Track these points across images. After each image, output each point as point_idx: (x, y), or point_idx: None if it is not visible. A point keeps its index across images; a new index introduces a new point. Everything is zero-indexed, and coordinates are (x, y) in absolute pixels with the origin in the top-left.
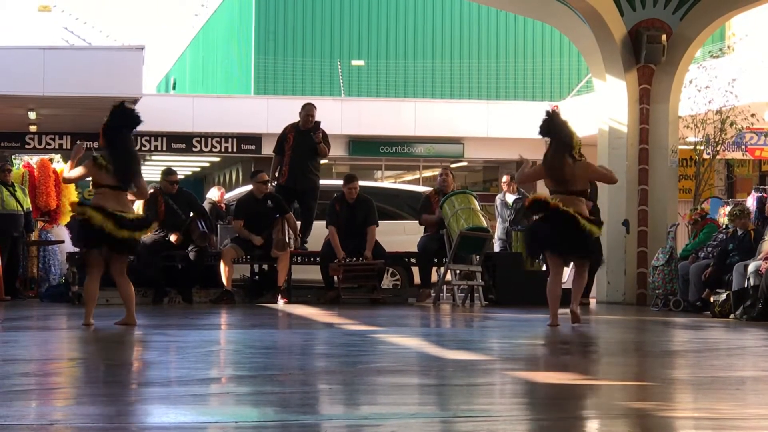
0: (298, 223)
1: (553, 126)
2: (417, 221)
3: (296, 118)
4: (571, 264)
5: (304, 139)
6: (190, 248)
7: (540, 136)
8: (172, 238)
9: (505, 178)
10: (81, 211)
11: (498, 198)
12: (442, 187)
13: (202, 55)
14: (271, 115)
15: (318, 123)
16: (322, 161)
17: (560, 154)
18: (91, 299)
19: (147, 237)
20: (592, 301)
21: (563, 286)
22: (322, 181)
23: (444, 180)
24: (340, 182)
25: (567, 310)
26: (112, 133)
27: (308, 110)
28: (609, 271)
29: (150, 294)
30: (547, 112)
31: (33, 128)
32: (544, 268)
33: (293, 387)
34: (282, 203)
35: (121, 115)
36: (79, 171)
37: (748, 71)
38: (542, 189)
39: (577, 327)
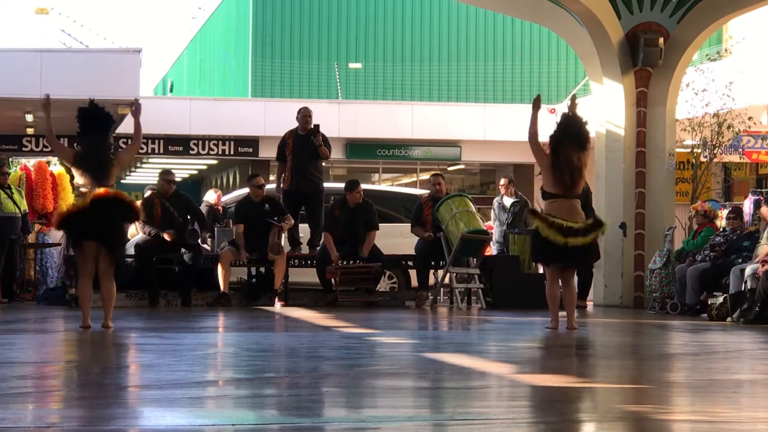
0: (303, 226)
1: (575, 122)
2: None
3: (293, 121)
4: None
5: (303, 142)
6: (184, 250)
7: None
8: (166, 236)
9: (503, 181)
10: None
11: (495, 201)
12: (435, 193)
13: (200, 58)
14: (269, 118)
15: (317, 126)
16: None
17: (579, 154)
18: (85, 302)
19: (143, 240)
20: (590, 304)
21: None
22: None
23: (436, 187)
24: (338, 185)
25: (565, 313)
26: (79, 135)
27: (305, 113)
28: (606, 274)
29: (146, 297)
30: (564, 115)
31: (30, 131)
32: (540, 270)
33: (290, 390)
34: (280, 206)
35: (82, 117)
36: (60, 147)
37: (746, 74)
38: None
39: (574, 330)
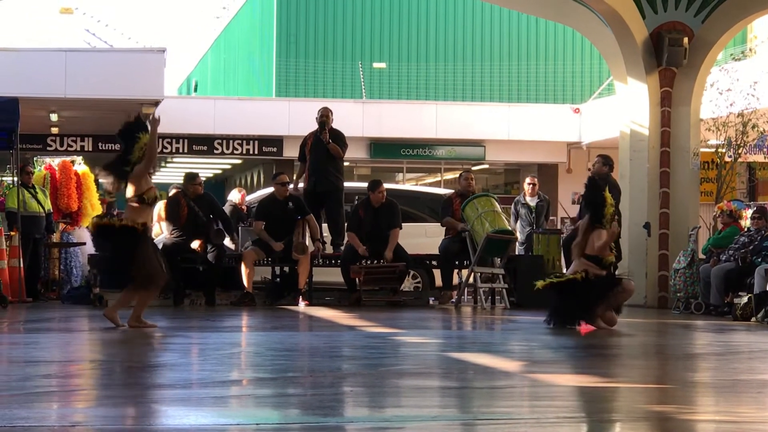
0: (325, 225)
1: (593, 198)
2: (438, 224)
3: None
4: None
5: (321, 142)
6: (209, 249)
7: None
8: (195, 245)
9: (528, 180)
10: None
11: (517, 200)
12: (465, 190)
13: (224, 58)
14: (293, 118)
15: (323, 123)
16: (345, 163)
17: (590, 226)
18: (125, 301)
19: (168, 240)
20: None
21: None
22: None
23: (468, 182)
24: (362, 184)
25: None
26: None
27: (322, 113)
28: (630, 274)
29: (171, 296)
30: (590, 179)
31: (55, 130)
32: (564, 270)
33: (314, 389)
34: (303, 205)
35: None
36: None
37: None
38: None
39: (598, 329)
